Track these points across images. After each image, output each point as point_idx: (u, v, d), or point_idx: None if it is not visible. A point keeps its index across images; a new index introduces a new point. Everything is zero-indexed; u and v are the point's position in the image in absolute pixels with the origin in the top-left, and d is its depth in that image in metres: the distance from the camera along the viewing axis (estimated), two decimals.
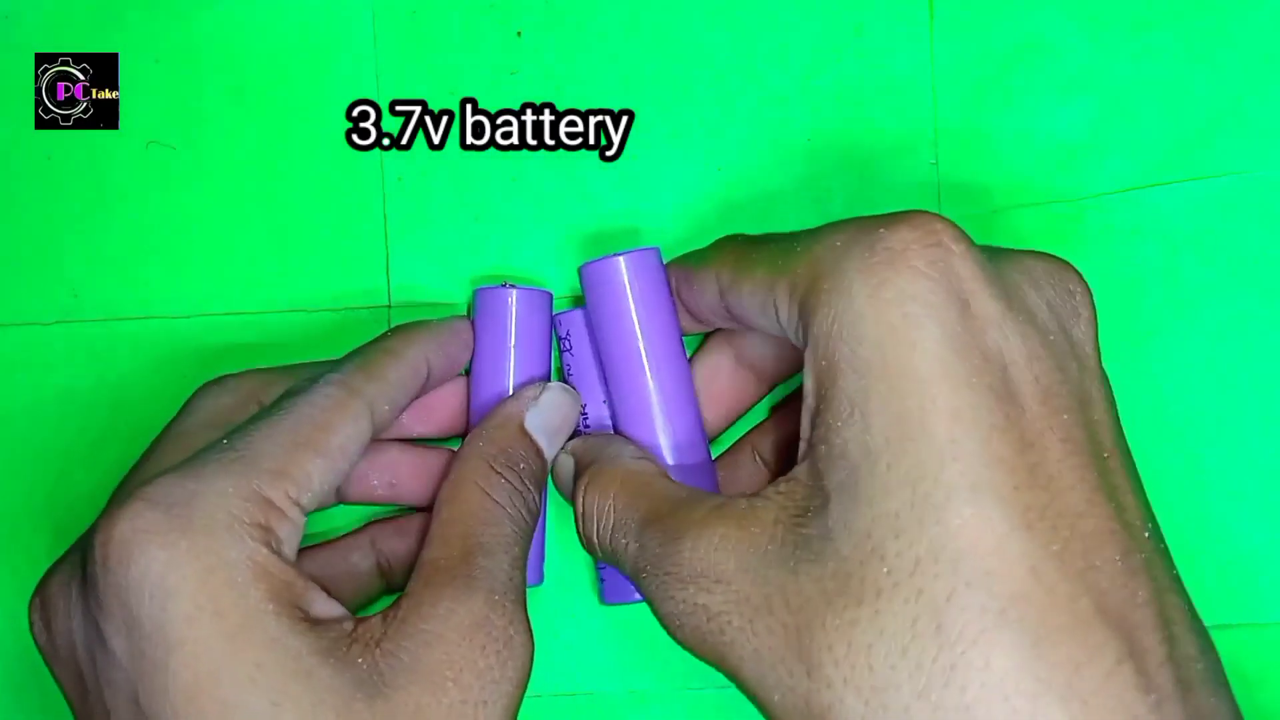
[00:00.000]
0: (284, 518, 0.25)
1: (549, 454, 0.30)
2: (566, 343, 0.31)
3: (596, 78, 0.33)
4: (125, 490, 0.27)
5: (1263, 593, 0.32)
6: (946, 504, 0.21)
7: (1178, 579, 0.23)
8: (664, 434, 0.30)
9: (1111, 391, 0.25)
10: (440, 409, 0.31)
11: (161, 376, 0.33)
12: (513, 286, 0.31)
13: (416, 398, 0.30)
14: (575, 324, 0.31)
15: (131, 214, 0.33)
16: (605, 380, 0.31)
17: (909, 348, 0.22)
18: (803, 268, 0.24)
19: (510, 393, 0.31)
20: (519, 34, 0.33)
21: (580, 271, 0.30)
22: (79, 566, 0.26)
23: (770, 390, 0.32)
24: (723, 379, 0.31)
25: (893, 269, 0.23)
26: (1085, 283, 0.25)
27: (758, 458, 0.32)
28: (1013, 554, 0.21)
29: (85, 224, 0.33)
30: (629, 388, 0.30)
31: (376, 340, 0.29)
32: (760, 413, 0.33)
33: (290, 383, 0.29)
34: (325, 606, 0.25)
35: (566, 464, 0.30)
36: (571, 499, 0.29)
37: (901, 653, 0.21)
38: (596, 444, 0.30)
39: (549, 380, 0.31)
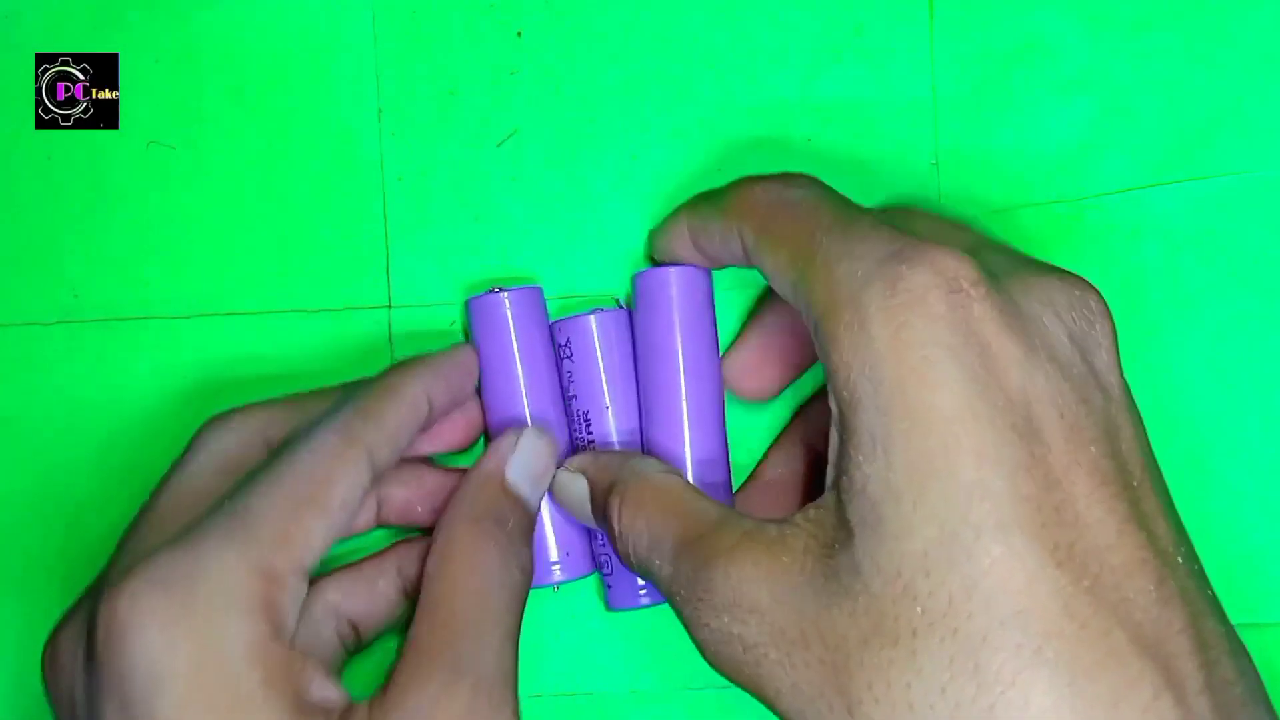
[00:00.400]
0: (285, 587, 0.25)
1: (533, 504, 0.30)
2: (566, 349, 0.31)
3: (596, 78, 0.33)
4: (131, 550, 0.27)
5: (1263, 592, 0.32)
6: (975, 543, 0.21)
7: (1214, 600, 0.23)
8: (690, 446, 0.30)
9: (1138, 413, 0.25)
10: (451, 432, 0.31)
11: (161, 376, 0.33)
12: (503, 290, 0.31)
13: (424, 429, 0.29)
14: (575, 331, 0.31)
15: (131, 214, 0.33)
16: (639, 385, 0.31)
17: (930, 389, 0.22)
18: (821, 286, 0.24)
19: (523, 396, 0.31)
20: (519, 34, 0.33)
21: (633, 279, 0.31)
22: (84, 630, 0.26)
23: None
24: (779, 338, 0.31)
25: (913, 312, 0.23)
26: (1103, 302, 0.25)
27: (784, 464, 0.32)
28: (1044, 592, 0.21)
29: (85, 224, 0.33)
30: (663, 396, 0.30)
31: (376, 378, 0.29)
32: (784, 409, 0.33)
33: (295, 418, 0.29)
34: (322, 689, 0.25)
35: (575, 483, 0.30)
36: (602, 518, 0.28)
37: (940, 692, 0.21)
38: (613, 460, 0.29)
39: (526, 425, 0.31)
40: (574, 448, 0.31)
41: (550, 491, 0.31)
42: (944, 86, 0.33)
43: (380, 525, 0.31)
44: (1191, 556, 0.24)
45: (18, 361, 0.33)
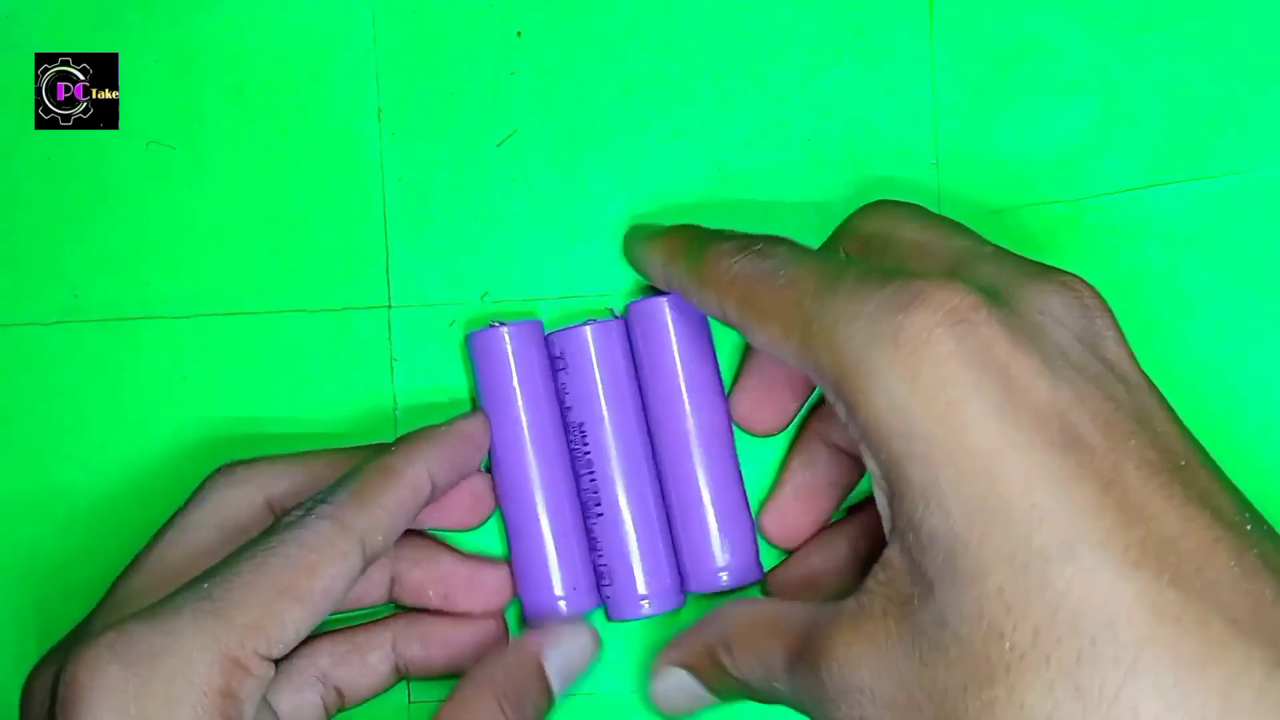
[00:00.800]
0: (250, 676, 0.25)
1: (558, 694, 0.30)
2: (561, 361, 0.31)
3: (596, 78, 0.33)
4: (116, 602, 0.27)
5: None
6: (1046, 569, 0.21)
7: None
8: (702, 468, 0.31)
9: (1161, 393, 0.25)
10: (458, 511, 0.31)
11: (161, 376, 0.33)
12: (503, 324, 0.31)
13: (431, 503, 0.29)
14: (569, 342, 0.31)
15: (131, 214, 0.33)
16: (646, 416, 0.31)
17: (963, 432, 0.22)
18: (825, 355, 0.24)
19: (523, 428, 0.31)
20: (519, 34, 0.33)
21: (628, 309, 0.31)
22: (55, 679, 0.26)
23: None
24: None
25: (923, 360, 0.23)
26: (1096, 293, 0.25)
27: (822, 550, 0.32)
28: (1127, 598, 0.21)
29: (85, 224, 0.33)
30: (669, 429, 0.31)
31: (380, 456, 0.29)
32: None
33: (300, 481, 0.29)
34: None
35: (676, 677, 0.29)
36: (724, 682, 0.28)
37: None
38: (695, 633, 0.29)
39: (577, 621, 0.31)
40: (573, 463, 0.31)
41: (658, 704, 0.30)
42: (944, 86, 0.33)
43: (392, 601, 0.31)
44: (1259, 519, 0.23)
45: (18, 361, 0.33)
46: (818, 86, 0.33)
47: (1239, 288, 0.32)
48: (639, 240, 0.31)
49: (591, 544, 0.31)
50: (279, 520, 0.27)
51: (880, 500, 0.24)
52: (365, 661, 0.30)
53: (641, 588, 0.31)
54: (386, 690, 0.31)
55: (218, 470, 0.30)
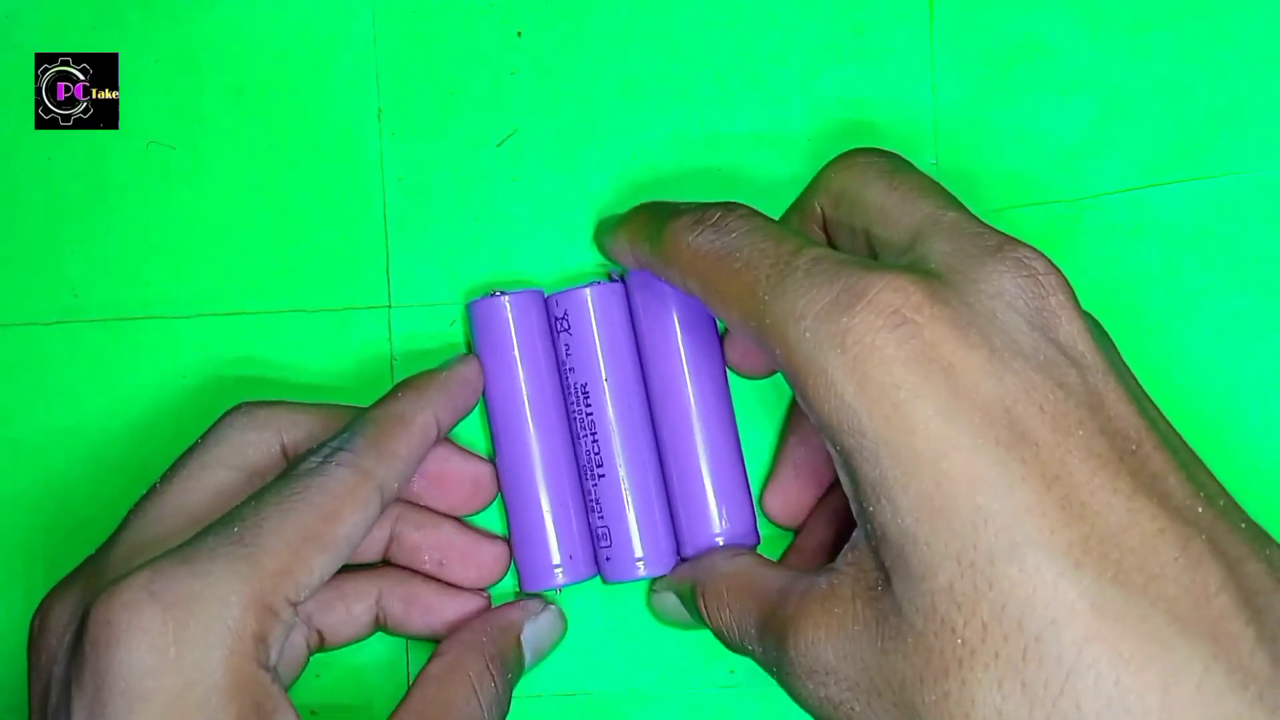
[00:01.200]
0: (278, 621, 0.25)
1: (529, 666, 0.31)
2: (564, 322, 0.31)
3: (596, 78, 0.33)
4: (137, 533, 0.27)
5: None
6: (992, 569, 0.22)
7: (1253, 531, 0.23)
8: (700, 435, 0.31)
9: (1119, 364, 0.25)
10: (460, 494, 0.32)
11: (161, 376, 0.33)
12: (503, 293, 0.31)
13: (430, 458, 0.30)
14: (571, 304, 0.31)
15: (131, 214, 0.33)
16: (646, 387, 0.32)
17: (908, 433, 0.23)
18: (779, 348, 0.24)
19: (524, 397, 0.31)
20: (519, 34, 0.33)
21: (629, 275, 0.32)
22: (79, 611, 0.26)
23: None
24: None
25: (869, 363, 0.23)
26: (1051, 266, 0.25)
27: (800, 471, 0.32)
28: (1069, 598, 0.21)
29: (85, 224, 0.33)
30: (669, 396, 0.31)
31: (388, 401, 0.29)
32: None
33: (316, 427, 0.30)
34: None
35: (668, 600, 0.31)
36: (700, 620, 0.29)
37: (997, 715, 0.22)
38: (686, 567, 0.31)
39: (549, 604, 0.32)
40: (571, 425, 0.32)
41: (655, 613, 0.32)
42: (944, 86, 0.33)
43: (387, 560, 0.32)
44: (1215, 493, 0.23)
45: (18, 361, 0.33)
46: (818, 86, 0.33)
47: (1239, 288, 0.32)
48: (606, 231, 0.32)
49: (592, 506, 0.32)
50: (298, 465, 0.27)
51: (845, 488, 0.25)
52: (350, 610, 0.31)
53: (638, 549, 0.31)
54: (365, 639, 0.31)
55: (236, 408, 0.30)
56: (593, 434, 0.31)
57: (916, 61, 0.33)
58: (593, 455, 0.31)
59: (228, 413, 0.30)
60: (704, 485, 0.31)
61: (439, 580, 0.32)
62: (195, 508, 0.28)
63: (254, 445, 0.29)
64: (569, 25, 0.33)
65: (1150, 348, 0.32)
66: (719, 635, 0.29)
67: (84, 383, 0.33)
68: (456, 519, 0.32)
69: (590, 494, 0.31)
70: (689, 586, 0.30)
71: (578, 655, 0.33)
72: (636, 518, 0.31)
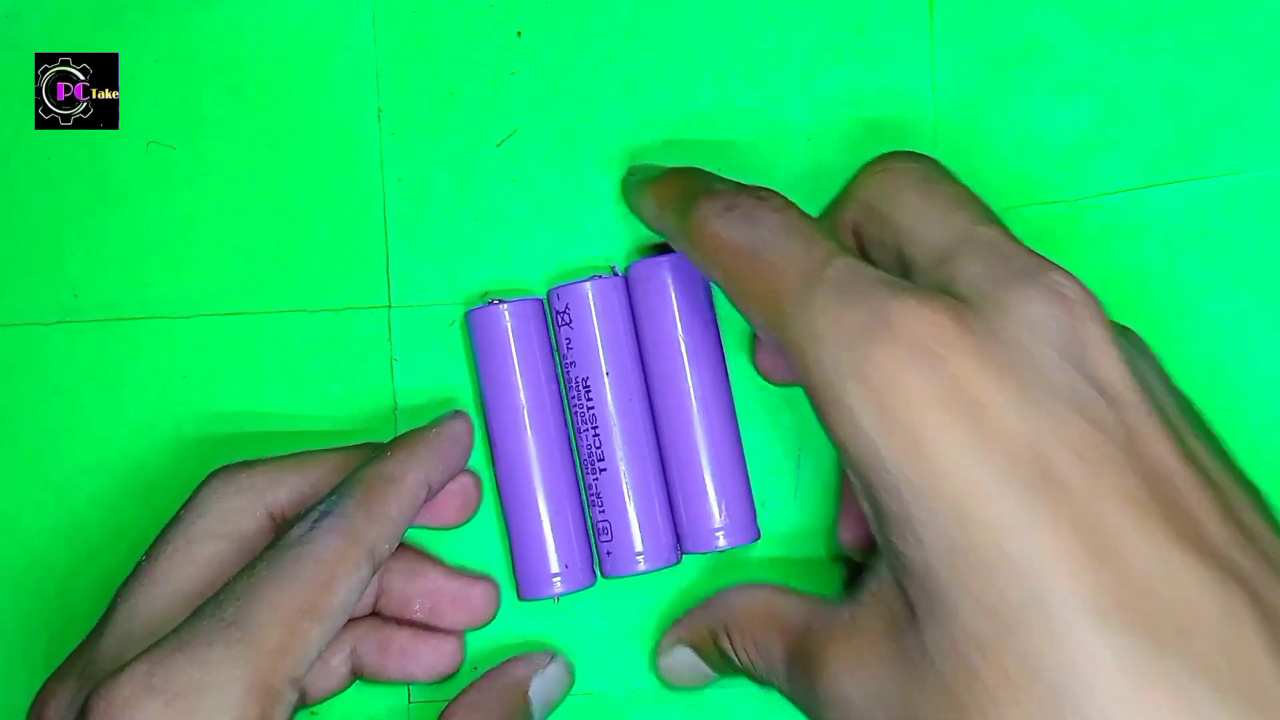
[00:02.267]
0: (281, 700, 0.25)
1: None
2: (565, 316, 0.31)
3: (596, 78, 0.33)
4: (128, 618, 0.27)
5: None
6: (1015, 616, 0.21)
7: None
8: (701, 430, 0.31)
9: (1161, 390, 0.24)
10: (448, 510, 0.32)
11: (161, 376, 0.33)
12: (502, 302, 0.31)
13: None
14: (573, 297, 0.31)
15: (131, 214, 0.33)
16: (647, 381, 0.32)
17: (932, 470, 0.22)
18: (800, 366, 0.24)
19: (522, 407, 0.31)
20: (519, 34, 0.33)
21: (629, 269, 0.32)
22: (77, 704, 0.26)
23: None
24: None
25: (892, 397, 0.22)
26: (1087, 294, 0.23)
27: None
28: (1094, 651, 0.20)
29: (85, 224, 0.33)
30: (669, 390, 0.31)
31: (377, 461, 0.29)
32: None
33: (299, 484, 0.29)
34: None
35: (682, 654, 0.30)
36: (725, 666, 0.29)
37: None
38: (700, 614, 0.30)
39: (550, 656, 0.32)
40: (577, 420, 0.32)
41: (665, 677, 0.31)
42: (944, 86, 0.33)
43: (376, 614, 0.31)
44: (1259, 530, 0.22)
45: (18, 361, 0.33)
46: (818, 86, 0.33)
47: (1239, 287, 0.32)
48: (636, 183, 0.31)
49: (594, 500, 0.32)
50: (287, 533, 0.27)
51: (866, 512, 0.24)
52: (328, 665, 0.30)
53: (638, 544, 0.31)
54: (344, 690, 0.31)
55: (214, 475, 0.30)
56: (594, 428, 0.31)
57: (916, 61, 0.33)
58: (594, 449, 0.31)
59: (206, 480, 0.29)
60: (704, 480, 0.31)
61: (413, 624, 0.31)
62: (185, 585, 0.28)
63: (237, 512, 0.29)
64: (569, 25, 0.33)
65: (1150, 347, 0.32)
66: (748, 674, 0.28)
67: (84, 383, 0.33)
68: (440, 563, 0.32)
69: (592, 488, 0.31)
70: (706, 629, 0.29)
71: (578, 655, 0.33)
72: (637, 512, 0.31)
